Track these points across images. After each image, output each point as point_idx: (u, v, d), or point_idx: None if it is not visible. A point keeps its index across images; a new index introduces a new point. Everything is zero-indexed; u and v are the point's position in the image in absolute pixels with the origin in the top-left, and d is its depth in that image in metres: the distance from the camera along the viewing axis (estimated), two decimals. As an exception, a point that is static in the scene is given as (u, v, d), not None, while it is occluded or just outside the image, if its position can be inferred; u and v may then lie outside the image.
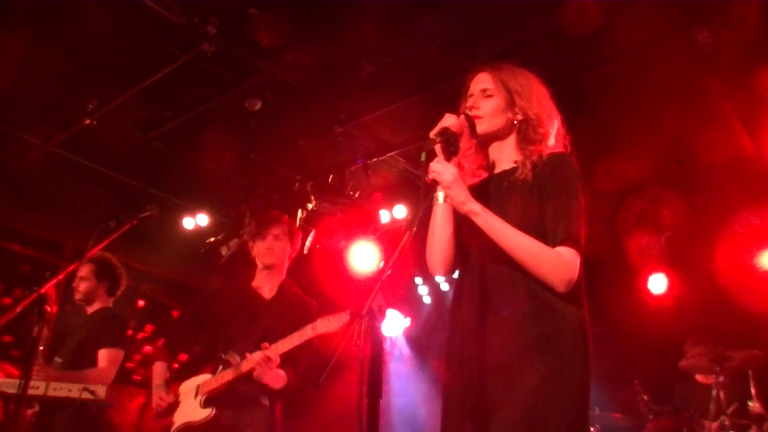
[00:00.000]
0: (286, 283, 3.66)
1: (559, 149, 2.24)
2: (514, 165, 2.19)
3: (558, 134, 2.27)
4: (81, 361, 3.90)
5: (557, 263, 1.96)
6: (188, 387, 3.46)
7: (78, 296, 4.16)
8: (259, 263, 3.67)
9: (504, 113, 2.22)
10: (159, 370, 3.56)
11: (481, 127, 2.20)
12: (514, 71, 2.29)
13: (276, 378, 3.28)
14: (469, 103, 2.25)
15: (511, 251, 1.99)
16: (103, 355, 3.93)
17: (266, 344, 3.23)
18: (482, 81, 2.27)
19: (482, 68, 2.32)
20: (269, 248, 3.59)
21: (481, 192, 2.18)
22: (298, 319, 3.31)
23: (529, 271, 1.97)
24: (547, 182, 2.08)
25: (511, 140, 2.24)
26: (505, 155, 2.25)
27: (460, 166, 2.22)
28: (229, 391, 3.31)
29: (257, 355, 3.18)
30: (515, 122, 2.22)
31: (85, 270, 4.15)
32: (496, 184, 2.22)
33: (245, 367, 3.22)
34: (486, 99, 2.23)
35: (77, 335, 4.02)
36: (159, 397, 3.41)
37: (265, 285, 3.63)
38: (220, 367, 3.36)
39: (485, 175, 2.30)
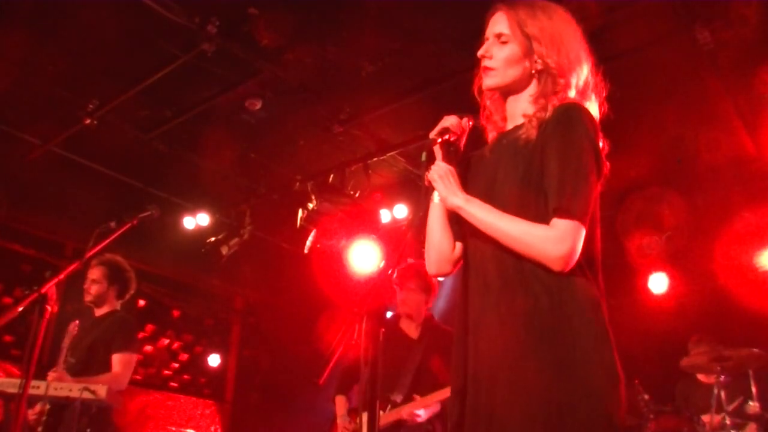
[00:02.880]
0: (427, 322, 4.13)
1: (576, 100, 1.88)
2: (523, 120, 1.91)
3: (586, 85, 1.94)
4: (94, 364, 3.91)
5: (546, 240, 1.72)
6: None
7: (88, 298, 4.16)
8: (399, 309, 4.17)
9: (520, 62, 1.91)
10: (340, 401, 4.21)
11: (493, 81, 1.94)
12: (534, 9, 1.93)
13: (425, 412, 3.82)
14: (481, 51, 1.96)
15: (499, 239, 1.80)
16: (117, 360, 3.96)
17: (416, 396, 3.82)
18: (498, 23, 1.95)
19: (499, 7, 1.98)
20: (403, 301, 4.07)
21: (489, 151, 2.02)
22: (444, 352, 3.58)
23: (522, 255, 1.76)
24: (549, 140, 1.80)
25: (528, 93, 1.94)
26: (520, 109, 1.95)
27: (488, 117, 2.06)
28: (398, 423, 3.84)
29: (406, 409, 3.80)
30: (533, 72, 1.91)
31: (96, 273, 4.15)
32: (498, 144, 1.99)
33: (401, 414, 3.83)
34: (500, 46, 1.92)
35: (87, 337, 4.01)
36: (343, 426, 4.06)
37: (410, 326, 4.14)
38: (389, 406, 3.85)
39: (503, 129, 2.04)
